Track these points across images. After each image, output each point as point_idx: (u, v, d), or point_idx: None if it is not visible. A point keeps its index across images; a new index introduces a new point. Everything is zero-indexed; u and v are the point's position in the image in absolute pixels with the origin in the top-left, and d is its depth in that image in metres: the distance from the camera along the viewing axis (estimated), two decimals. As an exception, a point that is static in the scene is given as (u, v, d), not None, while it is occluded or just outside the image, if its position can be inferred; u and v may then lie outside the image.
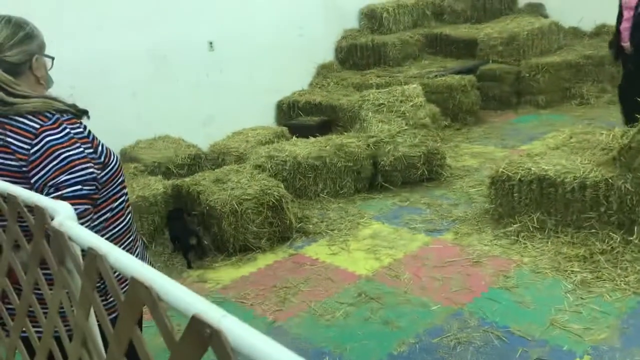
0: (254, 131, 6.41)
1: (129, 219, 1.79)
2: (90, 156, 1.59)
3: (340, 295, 3.54)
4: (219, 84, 6.88)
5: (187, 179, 4.79)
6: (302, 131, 6.24)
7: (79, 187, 1.52)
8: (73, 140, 1.57)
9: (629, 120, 4.74)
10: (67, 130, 1.58)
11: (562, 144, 4.30)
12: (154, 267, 1.95)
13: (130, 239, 1.78)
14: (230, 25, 6.89)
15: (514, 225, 3.96)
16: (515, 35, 7.30)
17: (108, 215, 1.69)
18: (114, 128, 5.87)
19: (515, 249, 3.79)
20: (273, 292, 3.66)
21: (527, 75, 7.05)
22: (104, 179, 1.65)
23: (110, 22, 5.84)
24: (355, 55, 8.08)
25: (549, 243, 3.73)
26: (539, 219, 3.87)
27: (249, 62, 7.15)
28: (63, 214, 1.13)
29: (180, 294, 0.71)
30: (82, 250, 1.04)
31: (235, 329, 0.62)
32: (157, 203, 4.50)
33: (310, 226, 4.52)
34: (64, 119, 1.60)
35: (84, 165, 1.55)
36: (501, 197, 4.08)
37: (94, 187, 1.56)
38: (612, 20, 7.64)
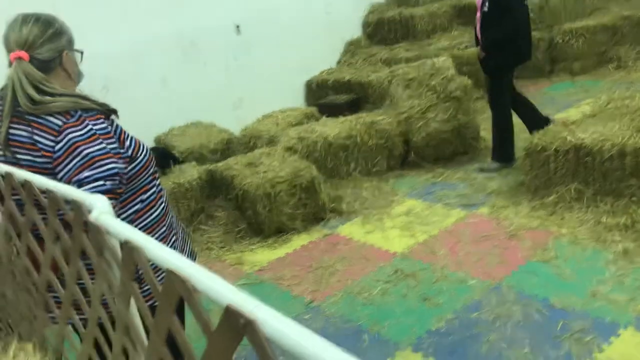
0: (284, 113, 6.42)
1: (162, 209, 1.82)
2: (114, 151, 1.61)
3: (376, 273, 3.55)
4: (248, 66, 6.90)
5: (220, 164, 4.85)
6: (332, 110, 6.22)
7: (101, 182, 1.55)
8: (95, 137, 1.60)
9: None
10: (90, 127, 1.61)
11: (600, 111, 4.18)
12: (195, 255, 2.00)
13: (164, 229, 1.81)
14: (256, 7, 6.88)
15: (551, 197, 3.89)
16: (548, 0, 7.08)
17: (138, 206, 1.72)
18: (146, 116, 5.96)
19: (553, 221, 3.73)
20: (309, 273, 3.70)
21: (561, 41, 6.85)
22: (133, 172, 1.68)
23: (134, 10, 5.88)
24: (383, 30, 7.97)
25: (588, 213, 3.66)
26: (576, 188, 3.79)
27: (276, 43, 7.13)
28: (100, 208, 1.16)
29: (214, 285, 0.73)
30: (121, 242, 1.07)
31: (269, 318, 0.63)
32: (192, 189, 4.56)
33: (344, 206, 4.53)
34: (87, 115, 1.63)
35: (106, 161, 1.58)
36: (537, 169, 4.00)
37: (117, 182, 1.59)
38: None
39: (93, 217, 1.06)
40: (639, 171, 3.49)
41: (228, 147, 5.73)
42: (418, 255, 3.67)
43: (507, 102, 4.62)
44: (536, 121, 4.61)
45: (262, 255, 4.07)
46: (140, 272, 1.00)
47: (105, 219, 1.09)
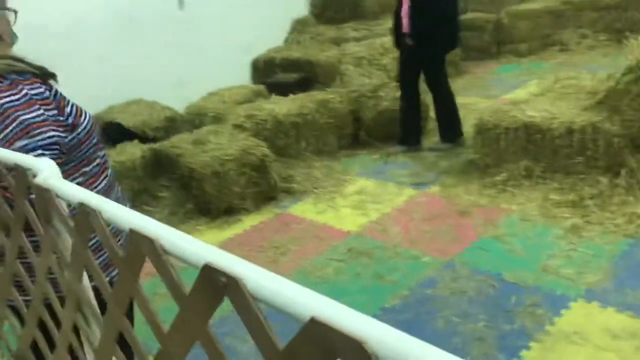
0: (230, 91, 6.24)
1: (107, 182, 1.67)
2: (53, 119, 1.46)
3: (329, 252, 3.49)
4: (191, 43, 6.65)
5: (165, 142, 4.65)
6: (280, 89, 6.08)
7: (39, 152, 1.39)
8: (32, 102, 1.44)
9: (409, 106, 4.69)
10: (25, 91, 1.44)
11: (547, 90, 4.25)
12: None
13: None
14: (199, -19, 6.63)
15: (502, 175, 3.92)
16: (494, -18, 7.17)
17: (80, 179, 1.57)
18: (82, 94, 5.58)
19: (503, 198, 3.76)
20: (261, 253, 3.60)
21: (507, 23, 6.96)
22: (73, 141, 1.53)
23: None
24: (331, 9, 7.86)
25: (537, 190, 3.71)
26: (526, 166, 3.84)
27: (221, 20, 6.90)
28: (47, 171, 1.03)
29: (186, 244, 0.63)
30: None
31: (253, 275, 0.54)
32: (135, 168, 4.36)
33: (295, 185, 4.44)
34: (21, 78, 1.46)
35: (44, 129, 1.42)
36: (487, 147, 4.03)
37: (56, 151, 1.44)
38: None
39: (40, 180, 0.93)
40: (586, 149, 3.56)
41: (172, 125, 5.52)
42: (371, 233, 3.64)
43: (446, 83, 4.64)
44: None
45: (210, 236, 3.93)
46: (94, 239, 0.88)
47: (54, 182, 0.96)
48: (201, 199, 4.16)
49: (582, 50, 6.74)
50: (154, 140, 5.13)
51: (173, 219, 4.20)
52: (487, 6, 7.16)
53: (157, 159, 4.62)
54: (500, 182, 3.90)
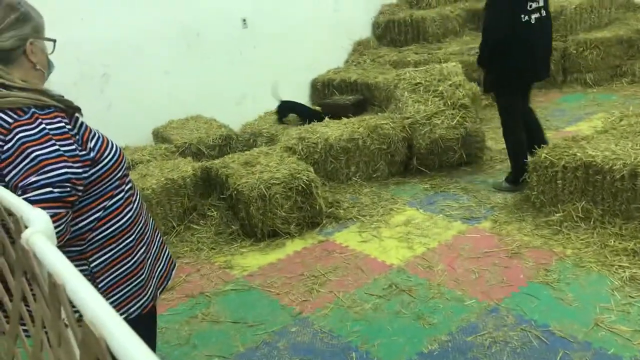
0: (287, 111, 6.26)
1: (130, 217, 1.65)
2: (69, 154, 1.45)
3: (369, 286, 3.40)
4: (253, 61, 6.75)
5: (216, 161, 4.70)
6: (336, 110, 6.07)
7: (48, 189, 1.39)
8: (47, 137, 1.44)
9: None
10: (42, 126, 1.45)
11: (612, 127, 4.01)
12: (174, 264, 1.83)
13: (129, 239, 1.64)
14: (263, 1, 6.72)
15: (557, 215, 3.72)
16: (562, 9, 6.90)
17: (100, 214, 1.56)
18: (146, 107, 5.84)
19: (558, 240, 3.56)
20: (300, 281, 3.55)
21: (575, 52, 6.67)
22: (95, 176, 1.52)
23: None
24: (393, 32, 7.81)
25: (595, 234, 3.49)
26: (584, 208, 3.62)
27: (283, 39, 6.98)
28: (37, 225, 1.01)
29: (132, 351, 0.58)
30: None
31: None
32: (186, 186, 4.42)
33: (341, 211, 4.38)
34: (41, 112, 1.47)
35: (56, 165, 1.42)
36: (543, 184, 3.84)
37: (67, 189, 1.42)
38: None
39: (24, 237, 0.91)
40: (651, 194, 3.32)
41: (227, 143, 5.58)
42: (414, 269, 3.52)
43: (513, 126, 4.29)
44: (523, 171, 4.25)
45: (252, 259, 3.92)
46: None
47: (35, 241, 0.94)
48: (246, 220, 4.16)
49: (655, 83, 6.38)
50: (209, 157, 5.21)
51: (218, 239, 4.22)
52: (554, 33, 6.88)
53: (208, 177, 4.67)
54: (555, 223, 3.70)
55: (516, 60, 4.08)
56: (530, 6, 4.01)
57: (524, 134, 4.29)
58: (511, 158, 4.38)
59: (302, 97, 7.33)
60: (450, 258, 3.59)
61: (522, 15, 4.00)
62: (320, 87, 7.25)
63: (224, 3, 6.39)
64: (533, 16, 4.03)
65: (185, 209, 4.44)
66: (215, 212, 4.46)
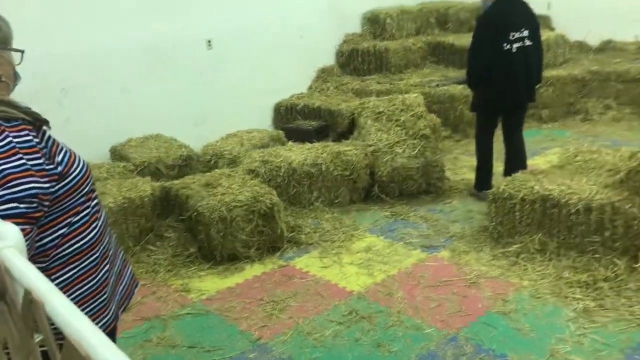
0: (249, 134, 6.23)
1: (95, 234, 1.60)
2: (36, 168, 1.40)
3: (330, 312, 3.37)
4: (216, 83, 6.71)
5: (176, 182, 4.62)
6: (299, 135, 6.08)
7: (13, 204, 1.33)
8: (14, 151, 1.38)
9: None
10: (9, 139, 1.39)
11: (567, 162, 4.15)
12: (137, 284, 1.77)
13: (93, 257, 1.59)
14: (229, 24, 6.73)
15: (514, 246, 3.80)
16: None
17: (64, 230, 1.50)
18: (104, 123, 5.71)
19: (515, 271, 3.63)
20: (260, 306, 3.49)
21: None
22: (61, 191, 1.47)
23: (103, 13, 5.67)
24: (357, 60, 7.92)
25: (550, 266, 3.58)
26: (540, 240, 3.71)
27: (248, 63, 6.98)
28: (9, 241, 0.97)
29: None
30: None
31: None
32: (144, 205, 4.32)
33: (303, 236, 4.35)
34: (8, 125, 1.42)
35: (23, 180, 1.36)
36: (502, 216, 3.92)
37: (34, 205, 1.37)
38: (619, 36, 7.57)
39: (-5, 250, 0.87)
40: (603, 228, 3.44)
41: (187, 163, 5.50)
42: (375, 296, 3.52)
43: (480, 141, 4.83)
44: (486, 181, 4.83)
45: (211, 283, 3.84)
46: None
47: (7, 256, 0.89)
48: (205, 243, 4.09)
49: (605, 122, 6.65)
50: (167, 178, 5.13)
51: (176, 261, 4.13)
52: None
53: (167, 198, 4.59)
54: (512, 254, 3.77)
55: (497, 86, 4.43)
56: (513, 36, 4.33)
57: (492, 150, 4.80)
58: (478, 167, 4.89)
59: (265, 121, 7.32)
60: (410, 286, 3.60)
61: (504, 45, 4.33)
62: (284, 112, 7.27)
63: (189, 23, 6.37)
64: (515, 45, 4.34)
65: (142, 229, 4.33)
66: (173, 234, 4.37)
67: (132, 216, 4.24)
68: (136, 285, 1.86)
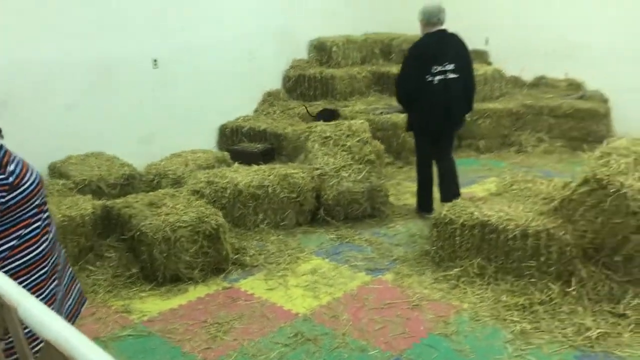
0: (194, 154, 6.18)
1: (45, 247, 1.56)
2: None
3: (275, 334, 3.36)
4: (161, 102, 6.64)
5: (118, 201, 4.52)
6: (244, 157, 6.08)
7: None
8: None
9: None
10: None
11: (504, 190, 4.34)
12: (84, 300, 1.73)
13: (42, 271, 1.55)
14: (177, 44, 6.70)
15: (455, 270, 3.92)
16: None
17: (14, 243, 1.46)
18: (44, 140, 5.52)
19: (455, 294, 3.74)
20: (203, 328, 3.44)
21: (469, 119, 7.18)
22: (12, 202, 1.43)
23: (50, 27, 5.53)
24: (303, 86, 8.03)
25: (489, 290, 3.70)
26: (479, 264, 3.84)
27: (194, 83, 6.95)
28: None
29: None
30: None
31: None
32: (84, 224, 4.19)
33: (247, 258, 4.33)
34: None
35: None
36: (443, 240, 4.04)
37: None
38: (551, 73, 8.02)
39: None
40: (539, 254, 3.60)
41: (130, 182, 5.38)
42: (320, 318, 3.53)
43: (418, 162, 5.15)
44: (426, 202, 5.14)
45: (152, 304, 3.76)
46: (8, 336, 0.79)
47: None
48: (148, 263, 4.00)
49: (538, 154, 6.99)
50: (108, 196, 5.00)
51: (116, 282, 4.02)
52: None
53: (108, 217, 4.47)
54: (453, 277, 3.89)
55: (420, 113, 4.85)
56: (435, 69, 4.63)
57: (429, 172, 5.08)
58: (418, 188, 5.19)
59: (210, 142, 7.28)
60: (355, 308, 3.64)
61: (427, 77, 4.65)
62: (229, 133, 7.26)
63: (136, 42, 6.30)
64: (436, 78, 4.65)
65: (81, 248, 4.19)
66: (113, 254, 4.26)
67: (72, 235, 4.11)
68: (83, 303, 1.81)
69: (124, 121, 6.27)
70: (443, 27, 4.77)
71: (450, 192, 4.84)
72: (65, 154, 5.71)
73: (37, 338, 1.47)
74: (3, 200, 1.40)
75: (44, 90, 5.56)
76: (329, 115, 6.98)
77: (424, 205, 5.10)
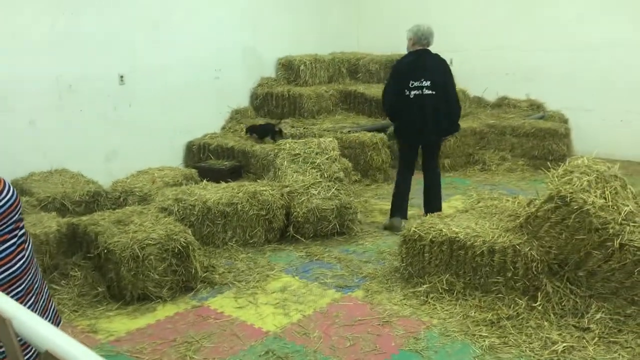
0: (161, 171, 6.12)
1: (22, 264, 1.53)
2: None
3: (245, 353, 3.33)
4: (127, 119, 6.58)
5: (84, 218, 4.43)
6: (212, 175, 6.05)
7: None
8: None
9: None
10: None
11: (471, 207, 4.42)
12: (60, 319, 1.70)
13: (19, 288, 1.52)
14: (144, 60, 6.66)
15: (424, 286, 3.96)
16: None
17: None
18: (7, 156, 5.40)
19: (425, 310, 3.78)
20: (172, 348, 3.38)
21: (451, 138, 7.32)
22: None
23: (12, 45, 5.44)
24: (271, 104, 8.07)
25: (458, 306, 3.76)
26: (448, 280, 3.90)
27: (161, 100, 6.91)
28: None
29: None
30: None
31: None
32: (49, 242, 4.09)
33: (217, 276, 4.29)
34: None
35: None
36: (412, 257, 4.09)
37: None
38: (512, 94, 8.26)
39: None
40: (506, 270, 3.67)
41: (95, 200, 5.29)
42: (291, 335, 3.52)
43: (399, 167, 5.36)
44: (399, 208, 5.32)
45: (120, 323, 3.68)
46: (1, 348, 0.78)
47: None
48: (115, 282, 3.93)
49: (501, 172, 7.17)
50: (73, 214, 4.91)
51: (82, 301, 3.93)
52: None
53: (73, 234, 4.38)
54: (422, 294, 3.93)
55: (400, 123, 5.21)
56: (412, 84, 4.99)
57: (408, 179, 5.31)
58: (392, 197, 5.36)
59: (176, 159, 7.23)
60: (325, 325, 3.64)
61: (405, 91, 5.00)
62: (196, 150, 7.22)
63: (102, 57, 6.24)
64: (413, 92, 5.00)
65: (45, 267, 4.09)
66: (79, 272, 4.16)
67: (36, 253, 3.95)
68: (59, 323, 1.77)
69: (89, 137, 6.18)
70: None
71: (434, 206, 5.21)
72: (28, 170, 5.60)
73: (28, 348, 1.44)
74: None
75: (6, 106, 5.44)
76: (262, 132, 7.05)
77: (395, 211, 5.28)
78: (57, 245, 4.16)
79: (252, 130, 7.20)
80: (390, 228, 5.25)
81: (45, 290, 1.70)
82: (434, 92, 4.95)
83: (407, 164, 5.29)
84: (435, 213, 4.48)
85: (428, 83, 4.94)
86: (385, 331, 3.56)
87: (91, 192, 5.28)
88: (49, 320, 1.69)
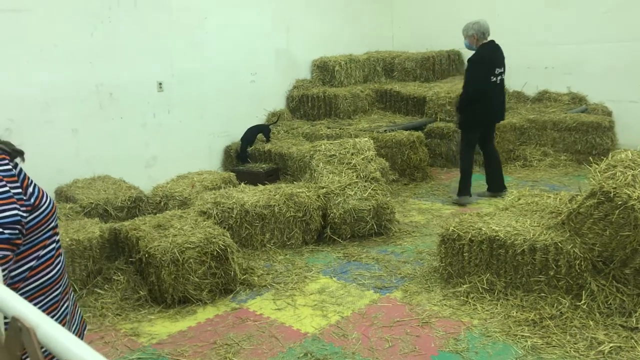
0: (200, 175, 6.21)
1: (59, 269, 1.58)
2: (17, 197, 1.39)
3: (284, 355, 3.34)
4: (166, 125, 6.70)
5: (126, 223, 4.53)
6: (249, 178, 6.11)
7: None
8: None
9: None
10: None
11: (511, 205, 4.33)
12: (85, 324, 1.74)
13: (57, 292, 1.57)
14: (181, 67, 6.78)
15: (464, 286, 3.90)
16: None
17: (33, 263, 1.48)
18: (51, 165, 5.58)
19: (465, 310, 3.72)
20: (213, 350, 3.42)
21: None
22: (32, 223, 1.45)
23: (52, 54, 5.61)
24: (307, 105, 8.09)
25: (499, 305, 3.68)
26: (488, 280, 3.83)
27: (198, 105, 7.02)
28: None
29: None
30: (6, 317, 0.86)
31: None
32: (92, 247, 4.20)
33: (255, 278, 4.32)
34: None
35: (7, 206, 1.35)
36: (451, 256, 4.03)
37: (16, 231, 1.35)
38: (553, 88, 8.05)
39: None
40: (548, 268, 3.58)
41: (136, 205, 5.41)
42: (329, 337, 3.51)
43: (467, 156, 5.98)
44: (495, 184, 6.10)
45: (161, 326, 3.75)
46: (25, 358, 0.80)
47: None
48: (156, 286, 4.00)
49: (543, 167, 6.99)
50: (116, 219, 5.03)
51: (125, 305, 4.01)
52: (455, 117, 7.43)
53: (116, 239, 4.48)
54: (462, 294, 3.87)
55: (482, 108, 5.74)
56: (497, 71, 5.75)
57: (471, 163, 6.05)
58: (460, 177, 6.00)
59: (215, 163, 7.32)
60: (364, 327, 3.62)
61: (491, 77, 5.70)
62: (234, 154, 7.29)
63: (140, 66, 6.37)
64: (498, 78, 5.77)
65: (89, 272, 4.20)
66: (121, 277, 4.25)
67: (80, 259, 4.12)
68: (85, 328, 1.82)
69: (130, 144, 6.32)
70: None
71: (496, 173, 6.08)
72: (72, 178, 5.76)
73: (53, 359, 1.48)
74: (25, 220, 1.42)
75: (48, 116, 5.62)
76: (252, 134, 7.30)
77: (464, 190, 5.97)
78: (100, 251, 4.27)
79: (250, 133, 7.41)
80: (463, 204, 5.94)
81: (72, 296, 1.75)
82: (503, 78, 5.85)
83: (473, 146, 5.99)
84: (469, 214, 4.41)
85: (501, 70, 5.79)
86: (425, 332, 3.52)
87: (132, 197, 5.39)
88: (76, 326, 1.74)
